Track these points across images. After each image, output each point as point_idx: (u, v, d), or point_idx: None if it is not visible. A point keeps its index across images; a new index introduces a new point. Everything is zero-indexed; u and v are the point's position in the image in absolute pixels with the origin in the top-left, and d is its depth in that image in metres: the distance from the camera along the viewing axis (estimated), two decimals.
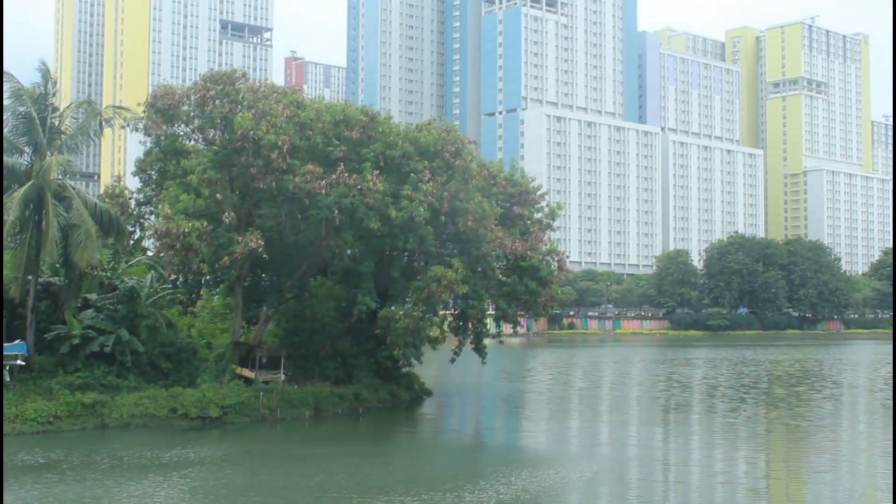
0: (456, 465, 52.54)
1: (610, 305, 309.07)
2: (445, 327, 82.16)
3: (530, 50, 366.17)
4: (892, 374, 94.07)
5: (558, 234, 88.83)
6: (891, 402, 78.48)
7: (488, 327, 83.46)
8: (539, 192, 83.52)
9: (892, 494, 37.11)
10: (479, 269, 76.00)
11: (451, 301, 77.47)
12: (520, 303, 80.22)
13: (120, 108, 75.49)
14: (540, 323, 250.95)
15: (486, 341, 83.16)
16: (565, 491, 46.16)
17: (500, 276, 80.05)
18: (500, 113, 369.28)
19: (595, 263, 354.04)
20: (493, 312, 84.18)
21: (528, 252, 77.16)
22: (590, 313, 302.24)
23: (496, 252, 75.47)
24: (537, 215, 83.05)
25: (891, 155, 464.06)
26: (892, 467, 42.50)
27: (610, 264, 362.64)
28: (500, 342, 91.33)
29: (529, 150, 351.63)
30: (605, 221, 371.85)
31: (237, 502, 41.29)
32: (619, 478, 49.32)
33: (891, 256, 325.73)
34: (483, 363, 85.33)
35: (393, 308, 71.39)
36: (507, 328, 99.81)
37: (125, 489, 43.79)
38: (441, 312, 79.88)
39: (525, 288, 77.99)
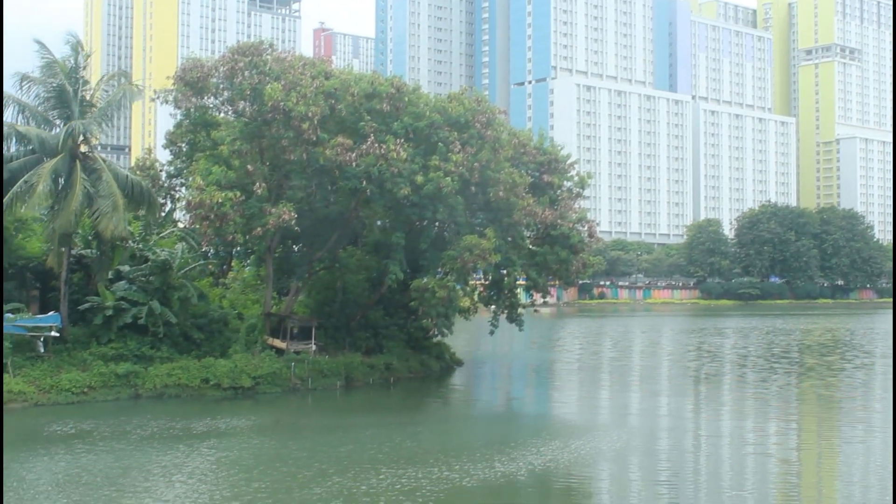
0: (486, 435, 52.58)
1: (640, 275, 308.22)
2: (476, 297, 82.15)
3: (560, 18, 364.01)
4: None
5: (588, 203, 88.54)
6: None
7: (519, 297, 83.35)
8: (569, 161, 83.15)
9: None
10: (510, 238, 75.86)
11: (482, 271, 77.42)
12: (551, 272, 79.94)
13: (136, 84, 75.56)
14: (570, 293, 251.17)
15: (520, 311, 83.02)
16: (596, 461, 46.15)
17: (531, 246, 79.87)
18: (530, 82, 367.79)
19: (625, 233, 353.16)
20: (524, 282, 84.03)
21: (559, 220, 76.93)
22: (620, 283, 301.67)
23: (527, 221, 75.26)
24: (567, 184, 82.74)
25: None
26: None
27: (640, 234, 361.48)
28: (535, 311, 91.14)
29: (559, 120, 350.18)
30: (636, 191, 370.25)
31: (263, 473, 41.36)
32: (650, 448, 49.24)
33: None
34: (520, 331, 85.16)
35: (425, 279, 71.44)
36: (537, 298, 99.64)
37: (154, 459, 44.07)
38: (471, 283, 79.87)
39: (556, 256, 77.79)
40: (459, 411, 65.46)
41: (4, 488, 37.70)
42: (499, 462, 43.35)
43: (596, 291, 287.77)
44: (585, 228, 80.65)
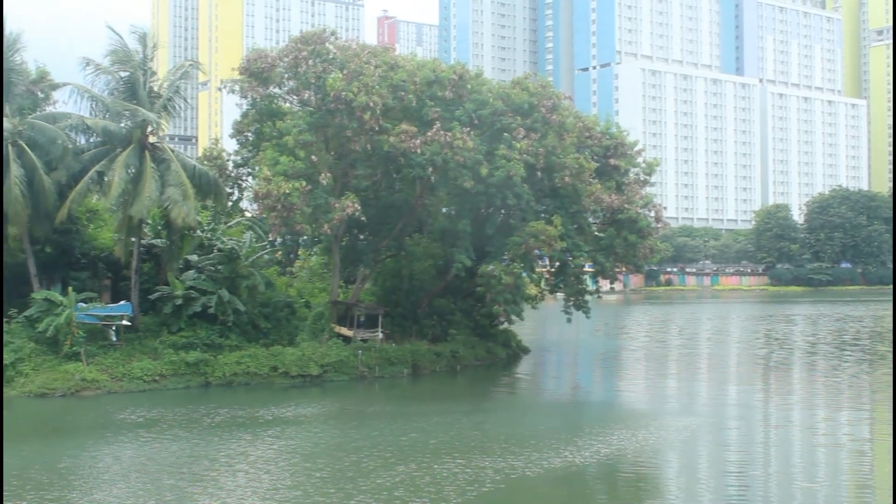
0: (552, 423, 52.28)
1: (708, 261, 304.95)
2: (542, 284, 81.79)
3: (624, 2, 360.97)
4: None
5: (654, 189, 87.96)
6: None
7: (585, 284, 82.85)
8: (636, 149, 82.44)
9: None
10: (576, 224, 75.41)
11: (548, 258, 77.13)
12: (618, 257, 79.30)
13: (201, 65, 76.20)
14: (637, 280, 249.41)
15: (586, 297, 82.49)
16: (663, 450, 45.78)
17: (597, 232, 79.36)
18: (594, 68, 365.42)
19: (692, 219, 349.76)
20: (590, 269, 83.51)
21: (625, 205, 76.36)
22: (687, 269, 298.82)
23: (593, 207, 74.75)
24: (634, 171, 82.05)
25: None
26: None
27: (707, 219, 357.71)
28: (599, 297, 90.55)
29: (624, 105, 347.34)
30: (702, 176, 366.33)
31: (327, 461, 41.46)
32: (718, 438, 48.66)
33: None
34: (587, 318, 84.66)
35: (492, 266, 71.33)
36: (603, 284, 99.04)
37: (219, 448, 44.49)
38: (537, 269, 79.56)
39: (623, 241, 77.23)
40: (525, 399, 65.29)
41: (75, 475, 38.41)
42: (565, 451, 43.15)
43: (663, 278, 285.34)
44: (652, 213, 79.94)
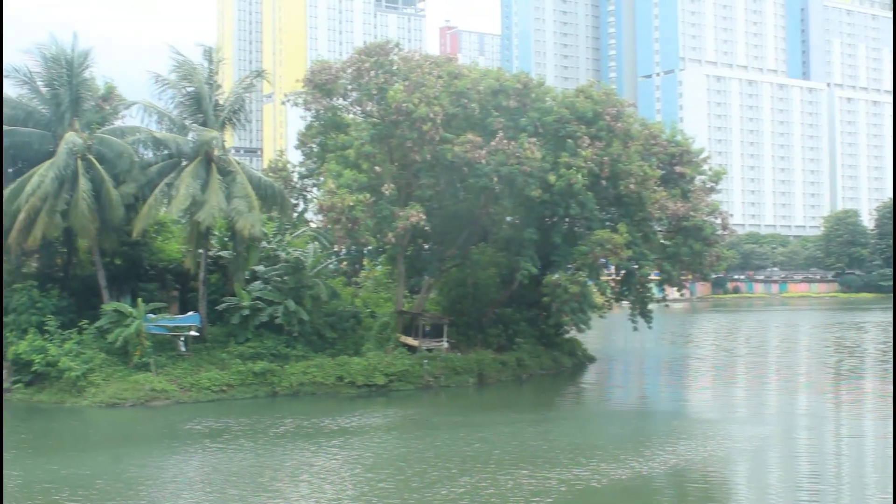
0: (619, 433, 51.90)
1: (775, 268, 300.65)
2: (608, 293, 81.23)
3: (687, 8, 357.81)
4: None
5: (720, 196, 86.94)
6: None
7: (651, 292, 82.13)
8: (702, 156, 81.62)
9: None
10: (642, 232, 74.80)
11: (613, 266, 76.61)
12: (684, 265, 78.52)
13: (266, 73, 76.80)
14: (703, 288, 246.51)
15: (651, 306, 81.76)
16: (732, 460, 45.20)
17: (662, 240, 78.69)
18: (658, 75, 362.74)
19: (759, 226, 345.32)
20: (656, 278, 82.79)
21: (691, 213, 75.62)
22: (755, 277, 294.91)
23: (658, 214, 74.11)
24: (700, 178, 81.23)
25: None
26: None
27: (774, 226, 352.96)
28: (666, 306, 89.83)
29: (689, 112, 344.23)
30: (769, 182, 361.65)
31: (390, 472, 41.46)
32: (788, 448, 47.91)
33: None
34: (649, 328, 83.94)
35: (557, 275, 71.01)
36: (670, 292, 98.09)
37: (282, 458, 44.72)
38: (602, 278, 79.01)
39: (689, 249, 76.41)
40: (591, 408, 64.90)
41: (141, 485, 38.82)
42: (631, 461, 42.75)
43: (730, 286, 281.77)
44: (718, 221, 79.03)
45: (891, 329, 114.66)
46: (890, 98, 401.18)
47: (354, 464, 43.60)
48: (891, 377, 70.63)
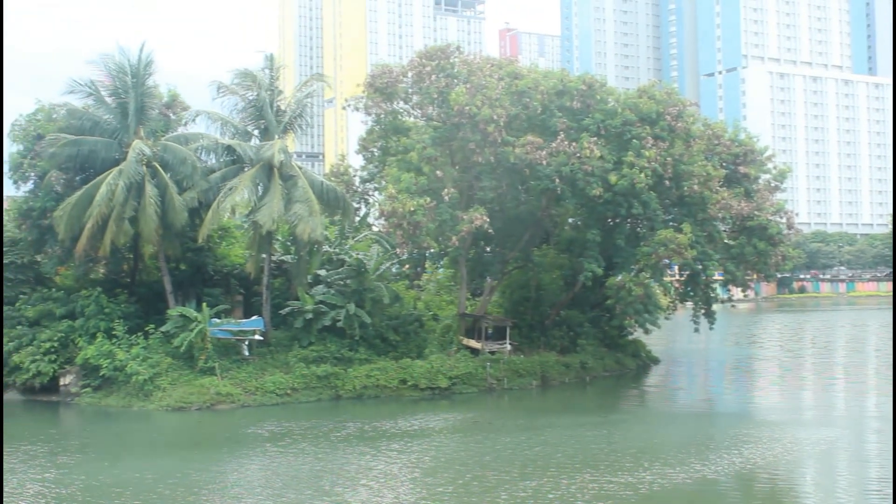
0: (684, 435, 51.27)
1: (842, 267, 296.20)
2: (672, 293, 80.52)
3: (749, 5, 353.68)
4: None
5: (785, 195, 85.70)
6: None
7: (716, 293, 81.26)
8: (766, 154, 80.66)
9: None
10: (706, 232, 74.04)
11: (677, 267, 75.97)
12: (748, 265, 77.63)
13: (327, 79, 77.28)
14: (769, 288, 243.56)
15: (715, 307, 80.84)
16: (799, 464, 44.53)
17: (726, 240, 77.87)
18: (720, 73, 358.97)
19: (825, 224, 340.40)
20: (720, 278, 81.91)
21: (755, 212, 74.73)
22: (821, 276, 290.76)
23: (722, 214, 73.34)
24: (764, 177, 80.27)
25: None
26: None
27: (841, 224, 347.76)
28: (733, 306, 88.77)
29: (752, 110, 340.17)
30: (835, 180, 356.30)
31: (450, 475, 41.26)
32: (857, 451, 47.07)
33: None
34: (711, 328, 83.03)
35: (621, 276, 70.60)
36: (735, 293, 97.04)
37: (343, 462, 44.72)
38: (665, 279, 78.34)
39: (754, 249, 75.49)
40: (655, 410, 64.36)
41: (203, 489, 39.15)
42: (696, 464, 42.36)
43: (796, 285, 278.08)
44: (784, 220, 78.03)
45: None
46: None
47: (414, 467, 43.62)
48: None
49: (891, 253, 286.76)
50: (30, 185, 69.22)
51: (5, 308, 67.69)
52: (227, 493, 38.78)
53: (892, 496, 35.83)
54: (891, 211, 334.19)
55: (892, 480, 37.71)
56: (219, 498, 38.00)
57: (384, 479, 41.14)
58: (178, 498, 37.58)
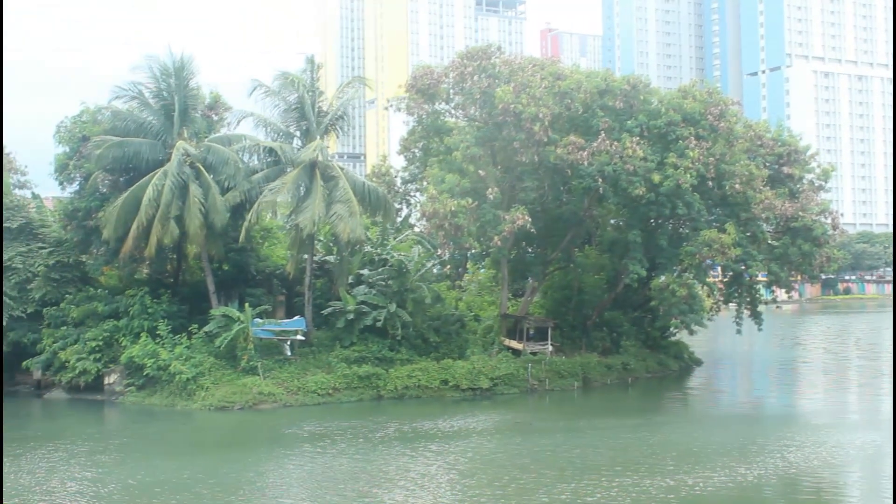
0: (727, 438, 50.70)
1: (889, 268, 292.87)
2: (716, 294, 79.87)
3: (793, 3, 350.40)
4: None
5: (830, 195, 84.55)
6: None
7: (760, 294, 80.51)
8: (809, 153, 79.93)
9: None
10: (749, 232, 73.42)
11: (719, 267, 75.41)
12: (793, 266, 76.93)
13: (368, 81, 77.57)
14: (813, 289, 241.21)
15: (760, 308, 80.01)
16: (845, 468, 43.97)
17: (770, 240, 77.20)
18: (763, 72, 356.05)
19: (871, 225, 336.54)
20: (764, 279, 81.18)
21: (800, 213, 74.05)
22: (867, 277, 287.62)
23: (766, 214, 72.71)
24: (808, 176, 79.53)
25: None
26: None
27: (887, 225, 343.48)
28: (777, 307, 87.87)
29: (796, 109, 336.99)
30: (881, 180, 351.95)
31: (488, 477, 41.04)
32: None
33: None
34: (759, 329, 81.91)
35: (663, 277, 70.19)
36: (778, 294, 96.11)
37: (381, 462, 44.57)
38: (709, 280, 77.75)
39: (798, 250, 74.78)
40: (698, 412, 63.90)
41: (240, 489, 39.14)
42: (739, 467, 41.88)
43: (841, 287, 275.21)
44: (829, 220, 77.24)
45: None
46: None
47: (452, 469, 43.41)
48: None
49: None
50: (75, 186, 69.99)
51: (52, 308, 68.59)
52: (263, 494, 38.79)
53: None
54: None
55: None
56: (256, 498, 38.02)
57: (422, 480, 41.05)
58: (214, 498, 37.63)
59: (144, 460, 46.00)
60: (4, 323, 68.10)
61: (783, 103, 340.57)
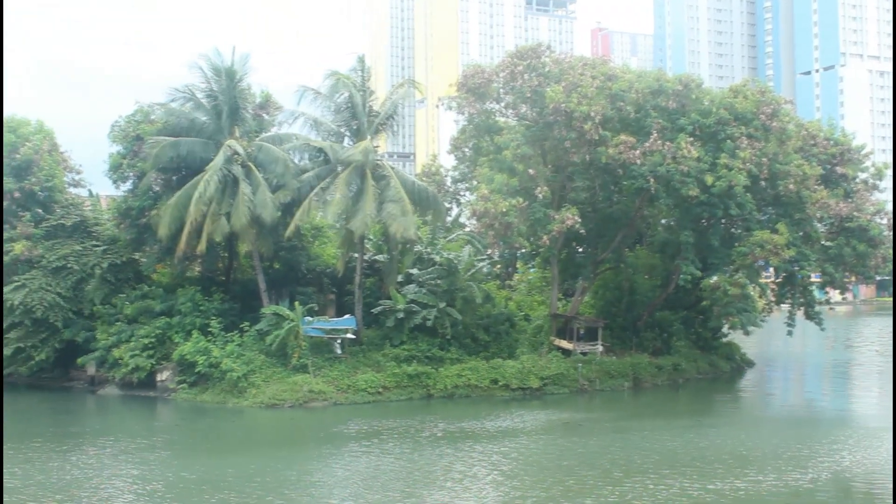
0: (779, 440, 49.89)
1: None
2: (769, 295, 79.01)
3: (848, 2, 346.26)
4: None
5: (886, 195, 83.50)
6: None
7: (813, 295, 79.53)
8: (864, 152, 78.90)
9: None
10: (802, 232, 72.58)
11: (772, 268, 74.62)
12: (847, 266, 75.98)
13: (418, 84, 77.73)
14: (867, 290, 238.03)
15: (816, 308, 78.96)
16: None
17: (824, 240, 76.28)
18: (817, 71, 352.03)
19: None
20: (817, 280, 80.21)
21: (854, 213, 73.10)
22: None
23: (819, 214, 71.84)
24: (862, 176, 78.53)
25: None
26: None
27: None
28: (830, 308, 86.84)
29: (850, 109, 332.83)
30: None
31: (532, 478, 40.85)
32: None
33: None
34: (822, 329, 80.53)
35: (714, 277, 69.61)
36: (832, 295, 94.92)
37: (425, 462, 44.35)
38: (761, 280, 76.94)
39: (853, 250, 73.89)
40: (749, 414, 63.24)
41: (284, 488, 39.07)
42: (791, 471, 41.38)
43: None
44: (885, 221, 76.21)
45: None
46: None
47: (497, 469, 43.09)
48: None
49: None
50: (128, 185, 70.75)
51: (105, 305, 69.43)
52: (306, 493, 38.64)
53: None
54: None
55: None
56: (300, 497, 37.85)
57: (466, 480, 40.76)
58: (258, 496, 37.53)
59: (191, 457, 46.33)
60: (59, 323, 69.02)
61: (837, 102, 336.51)
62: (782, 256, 67.83)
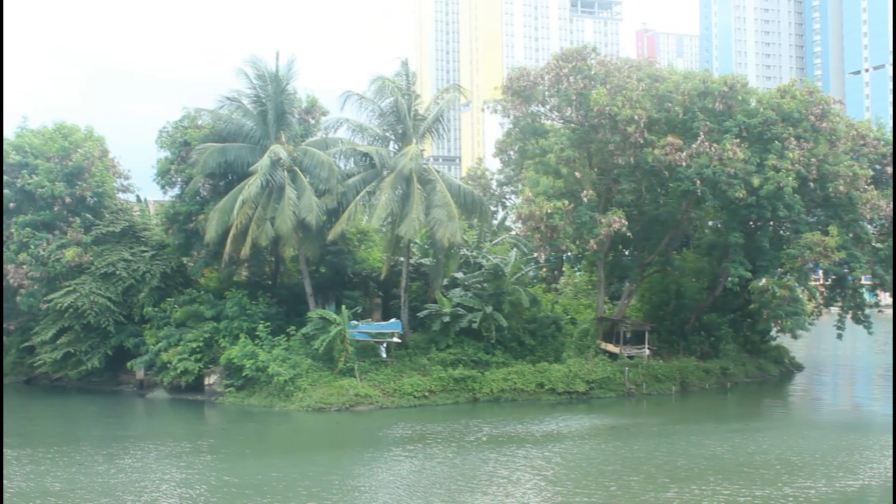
0: (828, 446, 49.19)
1: None
2: (818, 298, 78.06)
3: None
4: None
5: None
6: None
7: (863, 297, 78.44)
8: None
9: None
10: (852, 234, 71.57)
11: (822, 270, 73.73)
12: None
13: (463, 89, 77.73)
14: None
15: (867, 311, 77.81)
16: None
17: (874, 242, 75.24)
18: (867, 70, 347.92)
19: None
20: (867, 282, 79.08)
21: None
22: None
23: (870, 215, 70.89)
24: None
25: None
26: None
27: None
28: (880, 311, 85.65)
29: None
30: None
31: (574, 483, 40.38)
32: None
33: None
34: (869, 333, 79.25)
35: (764, 280, 68.91)
36: (882, 297, 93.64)
37: (468, 466, 44.06)
38: (811, 283, 76.06)
39: None
40: (798, 419, 62.44)
41: (326, 491, 38.99)
42: (842, 478, 40.78)
43: None
44: None
45: None
46: None
47: (540, 474, 42.81)
48: None
49: None
50: (176, 190, 71.35)
51: (154, 309, 70.09)
52: (348, 497, 38.42)
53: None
54: None
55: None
56: (343, 501, 37.62)
57: (508, 484, 40.42)
58: (300, 500, 37.36)
59: (237, 461, 46.42)
60: (111, 327, 69.84)
61: (887, 102, 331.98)
62: (832, 259, 66.97)
